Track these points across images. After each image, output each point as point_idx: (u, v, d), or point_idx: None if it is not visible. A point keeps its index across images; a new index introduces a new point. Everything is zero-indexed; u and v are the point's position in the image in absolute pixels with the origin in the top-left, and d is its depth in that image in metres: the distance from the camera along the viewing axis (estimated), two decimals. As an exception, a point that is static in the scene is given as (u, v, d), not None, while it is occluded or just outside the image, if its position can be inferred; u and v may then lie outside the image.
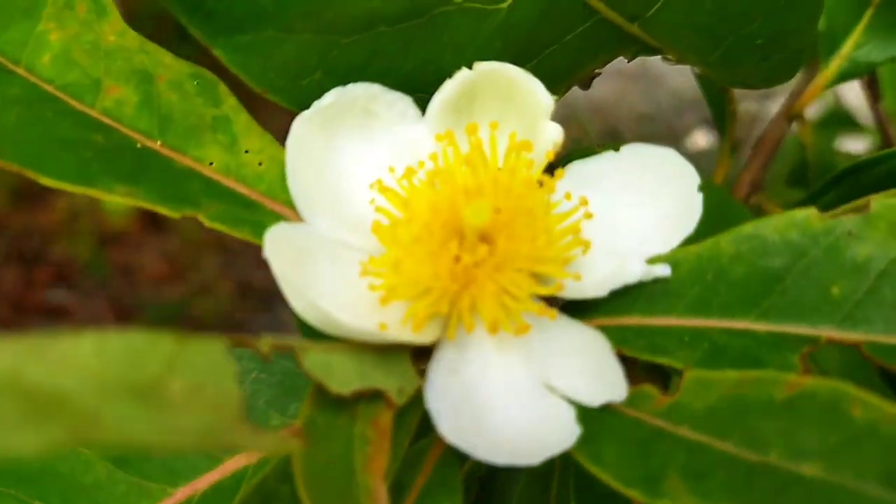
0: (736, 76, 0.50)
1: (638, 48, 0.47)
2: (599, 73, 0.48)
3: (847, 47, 0.66)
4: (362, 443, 0.29)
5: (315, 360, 0.29)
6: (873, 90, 0.89)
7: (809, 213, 0.32)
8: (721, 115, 0.58)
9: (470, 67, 0.36)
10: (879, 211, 0.31)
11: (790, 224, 0.32)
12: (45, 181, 0.32)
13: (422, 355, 0.33)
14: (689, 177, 0.34)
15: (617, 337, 0.33)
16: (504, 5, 0.39)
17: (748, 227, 0.33)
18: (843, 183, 0.54)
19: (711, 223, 0.49)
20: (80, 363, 0.20)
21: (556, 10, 0.41)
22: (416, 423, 0.33)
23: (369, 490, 0.28)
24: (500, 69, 0.35)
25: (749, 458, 0.28)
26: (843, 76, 0.66)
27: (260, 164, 0.36)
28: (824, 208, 0.57)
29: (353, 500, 0.28)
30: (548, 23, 0.41)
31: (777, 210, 0.66)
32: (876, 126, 0.90)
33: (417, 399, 0.32)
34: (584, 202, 0.34)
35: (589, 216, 0.33)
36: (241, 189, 0.35)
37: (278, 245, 0.31)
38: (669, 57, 0.49)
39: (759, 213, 0.68)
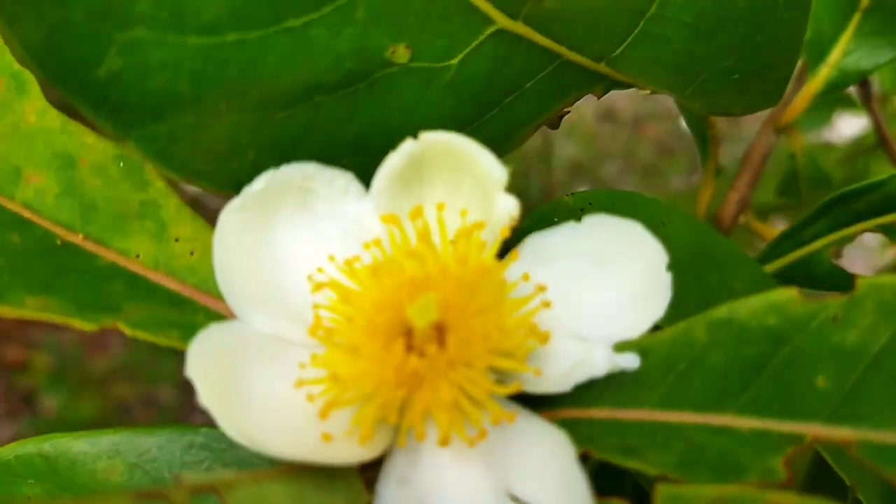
0: (714, 107, 0.47)
1: (608, 84, 0.44)
2: (568, 112, 0.45)
3: (835, 55, 0.63)
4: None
5: (242, 499, 0.26)
6: (865, 88, 0.85)
7: (789, 296, 0.29)
8: (703, 139, 0.55)
9: (415, 136, 0.33)
10: (866, 292, 0.28)
11: (768, 308, 0.29)
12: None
13: (371, 465, 0.30)
14: (656, 253, 0.31)
15: (585, 433, 0.31)
16: (453, 62, 0.36)
17: (723, 311, 0.30)
18: (833, 211, 0.51)
19: (696, 264, 0.46)
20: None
21: (511, 61, 0.38)
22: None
23: None
24: (446, 140, 0.32)
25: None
26: (833, 86, 0.63)
27: (192, 253, 0.33)
28: (814, 237, 0.54)
29: None
30: (504, 73, 0.38)
31: (766, 231, 0.63)
32: (872, 124, 0.87)
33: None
34: (541, 289, 0.31)
35: (547, 304, 0.30)
36: (171, 284, 0.32)
37: (202, 361, 0.28)
38: (644, 90, 0.46)
39: (747, 234, 0.65)
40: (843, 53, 0.63)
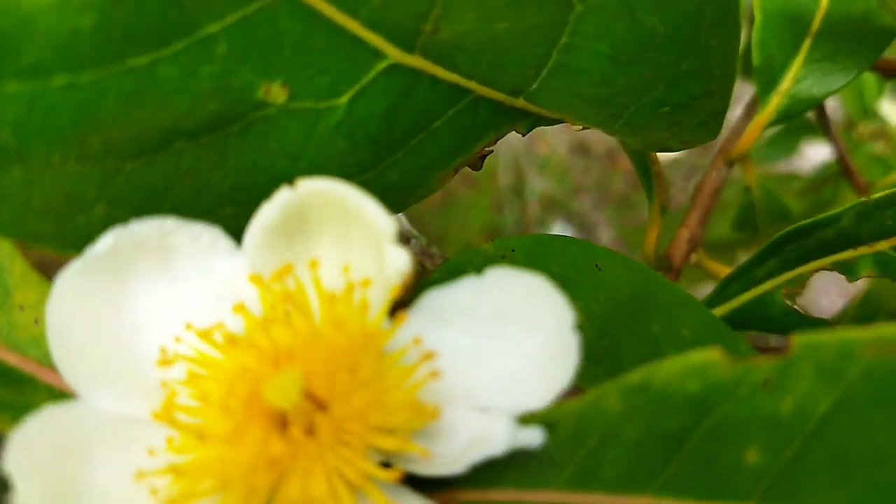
0: (648, 142, 0.44)
1: (532, 120, 0.40)
2: (491, 151, 0.41)
3: (786, 83, 0.60)
4: None
5: None
6: (822, 115, 0.83)
7: (712, 358, 0.25)
8: (646, 176, 0.52)
9: (292, 184, 0.29)
10: (802, 354, 0.24)
11: (688, 372, 0.25)
12: None
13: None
14: (562, 312, 0.27)
15: (487, 520, 0.26)
16: (341, 101, 0.32)
17: (638, 377, 0.26)
18: (784, 249, 0.48)
19: (636, 311, 0.42)
20: None
21: (412, 98, 0.34)
22: None
23: None
24: (325, 189, 0.28)
25: None
26: (785, 114, 0.60)
27: (36, 322, 0.28)
28: (767, 276, 0.51)
29: None
30: (405, 112, 0.34)
31: (719, 270, 0.59)
32: (835, 152, 0.84)
33: None
34: (428, 356, 0.27)
35: (435, 375, 0.26)
36: (10, 359, 0.28)
37: (27, 453, 0.24)
38: (576, 125, 0.42)
39: (701, 273, 0.62)
40: (794, 81, 0.60)
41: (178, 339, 0.27)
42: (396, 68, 0.33)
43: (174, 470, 0.25)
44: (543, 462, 0.27)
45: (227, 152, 0.31)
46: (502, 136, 0.40)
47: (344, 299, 0.27)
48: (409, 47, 0.32)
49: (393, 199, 0.37)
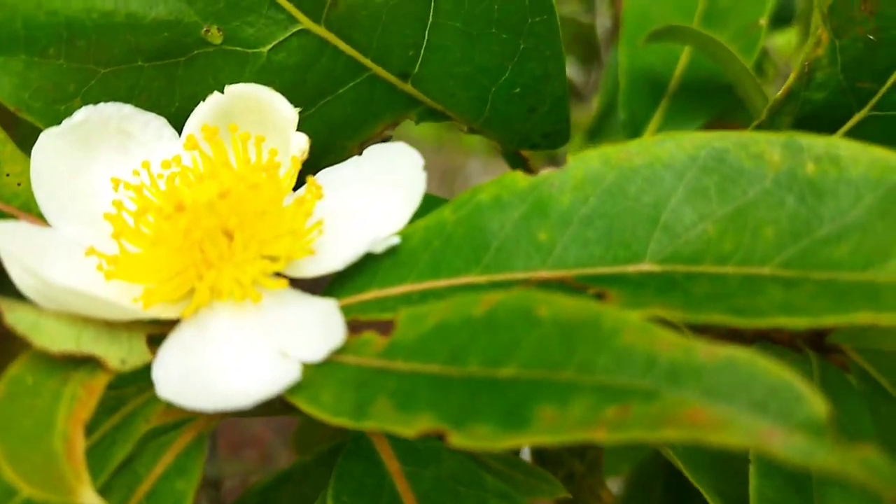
0: (517, 135, 0.55)
1: (422, 110, 0.51)
2: (390, 136, 0.52)
3: (648, 133, 0.73)
4: (70, 400, 0.29)
5: (22, 317, 0.29)
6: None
7: (515, 175, 0.35)
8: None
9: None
10: (574, 163, 0.35)
11: (500, 187, 0.35)
12: None
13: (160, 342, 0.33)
14: (415, 160, 0.37)
15: (356, 310, 0.35)
16: (263, 50, 0.43)
17: (466, 195, 0.36)
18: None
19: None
20: None
21: (319, 62, 0.45)
22: (159, 409, 0.33)
23: (66, 437, 0.27)
24: (248, 91, 0.39)
25: (452, 373, 0.29)
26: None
27: (19, 184, 0.38)
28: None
29: (47, 446, 0.27)
30: (314, 72, 0.46)
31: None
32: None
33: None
34: (316, 191, 0.36)
35: (320, 196, 0.36)
36: (-1, 205, 0.37)
37: (11, 233, 0.32)
38: (461, 126, 0.53)
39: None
40: (654, 132, 0.73)
41: (127, 186, 0.36)
42: (306, 33, 0.44)
43: (122, 257, 0.33)
44: (400, 266, 0.36)
45: (174, 80, 0.41)
46: (398, 121, 0.51)
47: (257, 151, 0.37)
48: (316, 18, 0.44)
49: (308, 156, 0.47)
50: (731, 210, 0.32)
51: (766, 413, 0.24)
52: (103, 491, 0.31)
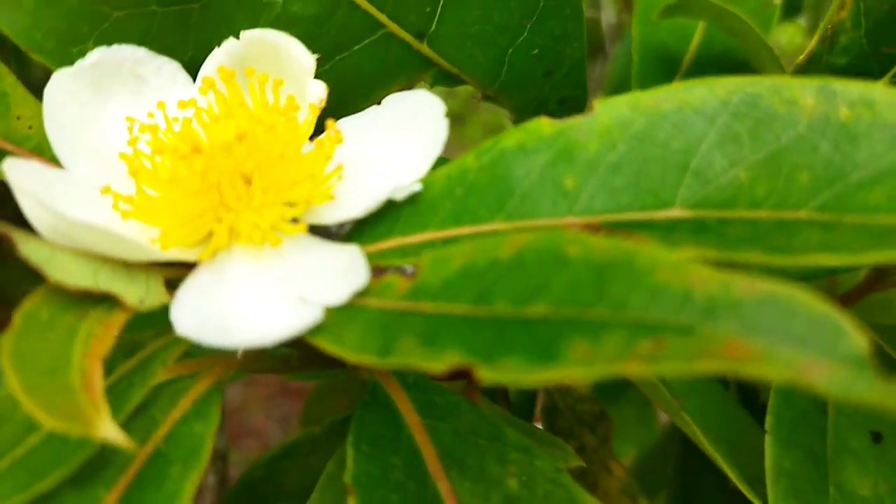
0: (532, 101, 0.54)
1: (436, 72, 0.51)
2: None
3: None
4: (87, 336, 0.28)
5: (36, 249, 0.28)
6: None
7: (540, 122, 0.35)
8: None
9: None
10: (601, 109, 0.34)
11: (524, 134, 0.35)
12: None
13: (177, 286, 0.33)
14: (437, 107, 0.36)
15: (377, 257, 0.34)
16: (279, 0, 0.43)
17: (489, 143, 0.35)
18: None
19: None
20: None
21: (335, 16, 0.45)
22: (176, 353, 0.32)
23: (84, 371, 0.27)
24: (264, 36, 0.38)
25: (479, 312, 0.28)
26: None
27: (30, 127, 0.37)
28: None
29: (65, 380, 0.26)
30: (330, 25, 0.45)
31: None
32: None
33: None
34: (336, 135, 0.35)
35: (339, 140, 0.35)
36: (9, 147, 0.36)
37: (26, 170, 0.31)
38: (476, 93, 0.53)
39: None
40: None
41: (142, 128, 0.35)
42: (323, -15, 0.44)
43: (154, 200, 0.32)
44: (421, 213, 0.35)
45: (188, 27, 0.40)
46: (413, 84, 0.51)
47: (275, 106, 0.36)
48: (332, -31, 0.44)
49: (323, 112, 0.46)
50: (763, 156, 0.31)
51: (807, 346, 0.24)
52: (118, 433, 0.30)
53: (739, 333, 0.24)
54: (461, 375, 0.26)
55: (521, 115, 0.59)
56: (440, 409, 0.36)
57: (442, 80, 0.51)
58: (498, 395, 0.55)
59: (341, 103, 0.48)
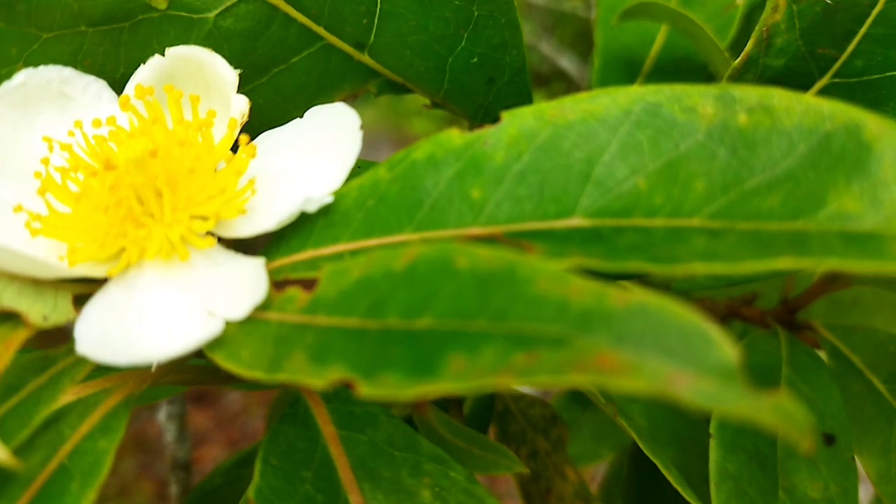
0: (478, 109, 0.54)
1: (381, 82, 0.51)
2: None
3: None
4: (-15, 354, 0.29)
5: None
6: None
7: (450, 133, 0.35)
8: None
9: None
10: (508, 120, 0.34)
11: (435, 145, 0.35)
12: None
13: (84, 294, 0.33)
14: (353, 121, 0.36)
15: (288, 270, 0.34)
16: (209, 16, 0.43)
17: (401, 154, 0.35)
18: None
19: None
20: None
21: (269, 30, 0.45)
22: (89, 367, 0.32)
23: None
24: (189, 52, 0.39)
25: (370, 325, 0.28)
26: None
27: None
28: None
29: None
30: (264, 39, 0.45)
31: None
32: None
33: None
34: (249, 150, 0.36)
35: (253, 154, 0.35)
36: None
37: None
38: (426, 101, 0.53)
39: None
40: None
41: (62, 146, 0.36)
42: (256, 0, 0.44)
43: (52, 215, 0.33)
44: (334, 225, 0.35)
45: (119, 45, 0.41)
46: (358, 93, 0.51)
47: (192, 122, 0.37)
48: (263, -17, 0.44)
49: (258, 125, 0.47)
50: (662, 164, 0.31)
51: (675, 357, 0.24)
52: (24, 450, 0.31)
53: (610, 345, 0.24)
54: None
55: (472, 122, 0.59)
56: (359, 421, 0.36)
57: (388, 89, 0.51)
58: (451, 403, 0.55)
59: (282, 115, 0.48)
